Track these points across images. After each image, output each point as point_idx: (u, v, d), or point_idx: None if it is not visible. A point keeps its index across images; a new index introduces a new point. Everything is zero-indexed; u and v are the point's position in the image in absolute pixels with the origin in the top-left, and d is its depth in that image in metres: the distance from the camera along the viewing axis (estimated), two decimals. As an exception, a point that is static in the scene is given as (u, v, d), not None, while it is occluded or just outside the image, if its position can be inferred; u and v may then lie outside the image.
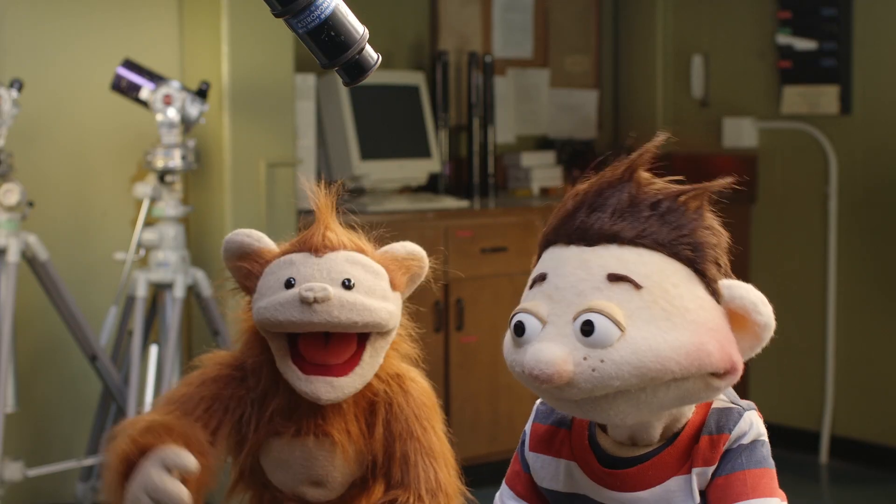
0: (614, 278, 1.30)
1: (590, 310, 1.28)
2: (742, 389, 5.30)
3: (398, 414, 1.64)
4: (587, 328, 1.27)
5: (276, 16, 1.46)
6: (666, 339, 1.27)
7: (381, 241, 1.70)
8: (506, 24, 5.49)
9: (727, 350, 1.31)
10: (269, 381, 1.62)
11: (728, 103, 5.45)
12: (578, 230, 1.34)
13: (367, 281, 1.60)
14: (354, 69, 1.50)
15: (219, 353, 1.70)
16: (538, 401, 1.53)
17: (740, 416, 1.40)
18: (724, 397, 1.42)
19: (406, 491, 1.61)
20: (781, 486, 1.41)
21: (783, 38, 5.19)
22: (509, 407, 4.78)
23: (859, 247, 5.03)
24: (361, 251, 1.64)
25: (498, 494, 1.55)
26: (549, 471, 1.48)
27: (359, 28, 1.48)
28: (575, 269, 1.32)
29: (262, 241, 1.67)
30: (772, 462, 1.40)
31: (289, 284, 1.58)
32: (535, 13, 5.58)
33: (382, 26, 5.05)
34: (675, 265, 1.32)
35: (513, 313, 1.34)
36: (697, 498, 1.39)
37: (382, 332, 1.63)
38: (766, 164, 5.32)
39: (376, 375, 1.65)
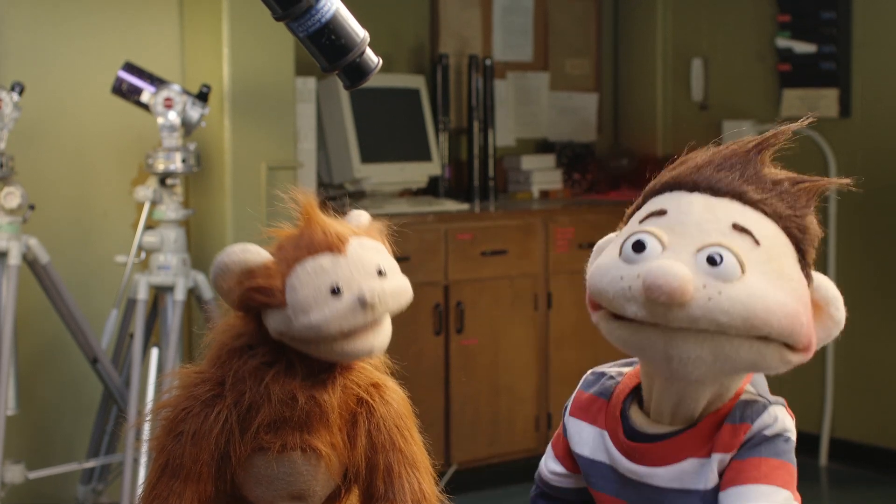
0: (738, 228, 1.36)
1: (718, 244, 1.34)
2: (742, 392, 5.31)
3: (380, 424, 1.61)
4: (713, 260, 1.33)
5: (277, 19, 1.46)
6: (776, 295, 1.33)
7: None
8: (506, 27, 5.50)
9: (811, 329, 1.37)
10: (255, 394, 1.59)
11: (728, 106, 5.45)
12: (706, 180, 1.41)
13: (387, 262, 1.60)
14: (355, 73, 1.50)
15: (190, 373, 1.65)
16: (588, 372, 1.58)
17: (765, 408, 1.44)
18: (753, 390, 1.47)
19: None
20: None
21: (782, 42, 5.20)
22: (509, 409, 4.78)
23: (858, 250, 5.04)
24: (356, 234, 1.63)
25: (544, 455, 1.62)
26: (581, 436, 1.52)
27: (359, 31, 1.48)
28: (701, 211, 1.38)
29: (262, 253, 1.59)
30: (793, 458, 1.43)
31: (334, 291, 1.56)
32: (536, 16, 5.59)
33: (383, 29, 5.05)
34: (785, 238, 1.39)
35: (628, 234, 1.39)
36: (716, 480, 1.41)
37: None
38: (766, 167, 5.32)
39: (357, 385, 1.63)
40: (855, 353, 5.03)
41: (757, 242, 1.35)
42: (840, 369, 5.06)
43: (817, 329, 1.40)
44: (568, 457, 1.56)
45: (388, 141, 4.90)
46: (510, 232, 4.80)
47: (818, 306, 1.40)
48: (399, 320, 1.66)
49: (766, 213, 1.39)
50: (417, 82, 5.04)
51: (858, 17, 5.00)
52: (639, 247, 1.36)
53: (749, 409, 1.43)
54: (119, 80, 3.93)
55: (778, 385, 5.32)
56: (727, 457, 1.41)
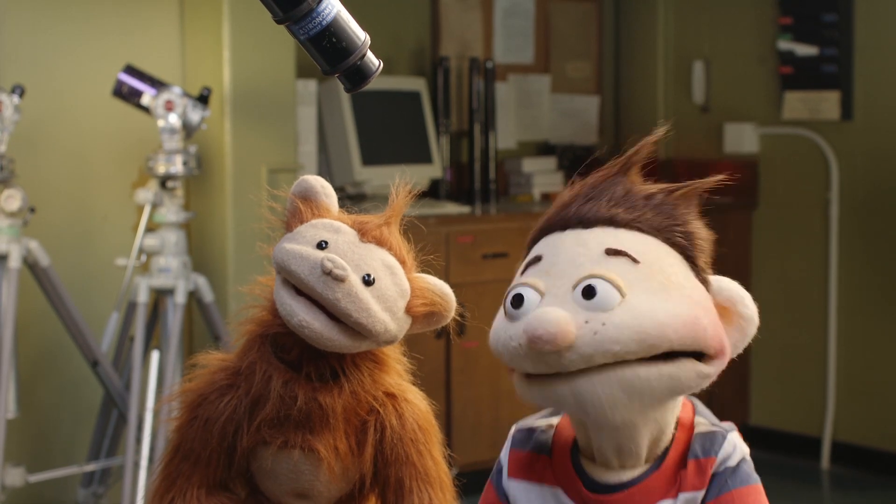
0: (612, 252, 1.32)
1: (591, 276, 1.30)
2: (743, 394, 5.31)
3: (391, 437, 1.60)
4: (589, 293, 1.29)
5: (278, 22, 1.46)
6: (664, 307, 1.28)
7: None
8: (507, 29, 5.49)
9: (719, 331, 1.33)
10: (261, 386, 1.60)
11: (729, 109, 5.45)
12: (574, 216, 1.38)
13: (386, 289, 1.57)
14: (356, 75, 1.50)
15: (214, 360, 1.68)
16: (514, 427, 1.54)
17: (724, 438, 1.40)
18: (705, 421, 1.43)
19: None
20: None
21: (784, 44, 5.19)
22: (510, 412, 4.77)
23: (860, 252, 5.03)
24: (402, 263, 1.63)
25: None
26: (531, 497, 1.46)
27: (360, 34, 1.48)
28: (572, 247, 1.35)
29: (329, 198, 1.67)
30: (756, 477, 1.40)
31: (320, 246, 1.58)
32: (537, 19, 5.58)
33: (384, 32, 5.05)
34: (668, 249, 1.35)
35: (507, 291, 1.36)
36: None
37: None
38: (768, 169, 5.32)
39: (370, 394, 1.62)
40: (857, 355, 5.02)
41: (635, 261, 1.31)
42: (842, 372, 5.05)
43: (729, 331, 1.35)
44: None
45: (388, 143, 4.90)
46: (511, 234, 4.79)
47: (724, 309, 1.36)
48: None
49: (641, 231, 1.35)
50: (418, 85, 5.03)
51: (860, 19, 5.00)
52: (517, 301, 1.34)
53: (709, 441, 1.39)
54: (119, 83, 3.93)
55: (780, 388, 5.33)
56: (697, 495, 1.37)
